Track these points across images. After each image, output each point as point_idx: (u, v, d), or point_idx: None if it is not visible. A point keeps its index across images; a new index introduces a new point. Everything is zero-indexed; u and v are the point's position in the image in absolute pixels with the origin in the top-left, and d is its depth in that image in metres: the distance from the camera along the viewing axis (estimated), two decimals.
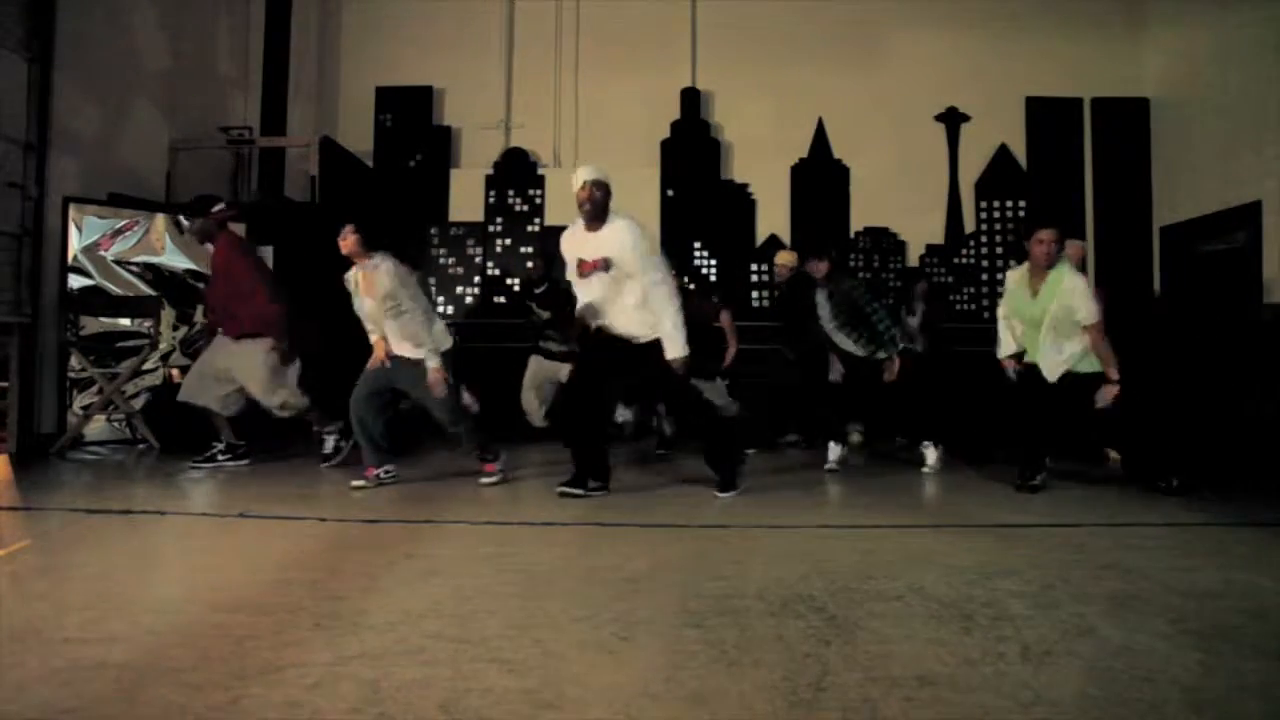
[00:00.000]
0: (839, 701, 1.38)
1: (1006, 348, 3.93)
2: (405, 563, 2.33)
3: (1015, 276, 3.85)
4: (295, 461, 4.49)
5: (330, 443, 4.33)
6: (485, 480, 3.82)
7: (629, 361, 3.49)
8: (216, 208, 4.33)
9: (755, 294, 7.00)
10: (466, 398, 5.44)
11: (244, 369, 4.18)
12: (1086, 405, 3.60)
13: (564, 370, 5.25)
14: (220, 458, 4.23)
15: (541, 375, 5.17)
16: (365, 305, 3.81)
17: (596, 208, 3.37)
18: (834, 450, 4.39)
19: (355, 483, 3.69)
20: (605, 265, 3.37)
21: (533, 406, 5.18)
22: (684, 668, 1.54)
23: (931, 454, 4.32)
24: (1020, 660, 1.58)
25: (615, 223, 3.39)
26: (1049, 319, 3.61)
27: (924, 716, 1.34)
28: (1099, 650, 1.64)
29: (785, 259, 5.40)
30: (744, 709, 1.36)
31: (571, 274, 3.55)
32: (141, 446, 5.05)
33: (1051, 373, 3.65)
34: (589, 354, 3.61)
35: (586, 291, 3.49)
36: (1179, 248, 6.50)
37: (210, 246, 4.42)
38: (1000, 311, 3.97)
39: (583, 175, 3.39)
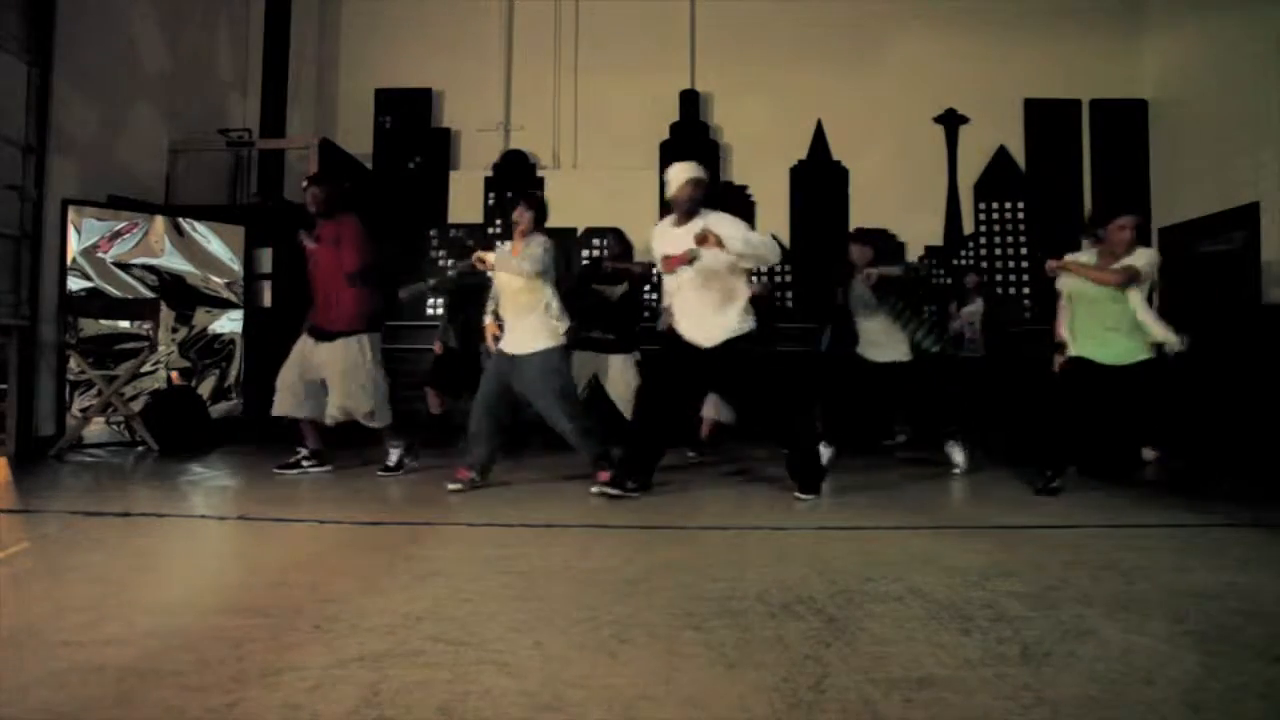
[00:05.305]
0: (838, 703, 1.38)
1: (1062, 331, 3.83)
2: (404, 565, 2.33)
3: (1083, 260, 3.74)
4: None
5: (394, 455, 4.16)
6: (596, 489, 3.55)
7: (703, 364, 3.49)
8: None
9: (775, 293, 6.99)
10: (432, 400, 5.39)
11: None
12: (1138, 396, 3.58)
13: (613, 362, 5.07)
14: (305, 464, 4.17)
15: (589, 370, 5.06)
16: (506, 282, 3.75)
17: (695, 205, 3.48)
18: (825, 452, 4.39)
19: (450, 485, 3.65)
20: (690, 259, 3.41)
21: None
22: (683, 670, 1.54)
23: (958, 454, 4.31)
24: (1020, 662, 1.58)
25: (709, 215, 3.47)
26: (1117, 304, 3.57)
27: (924, 718, 1.33)
28: (1099, 651, 1.64)
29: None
30: (743, 711, 1.36)
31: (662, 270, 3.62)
32: (140, 449, 5.05)
33: (1118, 359, 3.61)
34: (669, 353, 3.61)
35: (673, 287, 3.57)
36: (1177, 249, 6.51)
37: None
38: (1065, 290, 3.81)
39: (686, 173, 3.50)
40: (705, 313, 3.47)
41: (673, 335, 3.56)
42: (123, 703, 1.37)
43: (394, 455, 4.13)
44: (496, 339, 3.79)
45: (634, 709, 1.36)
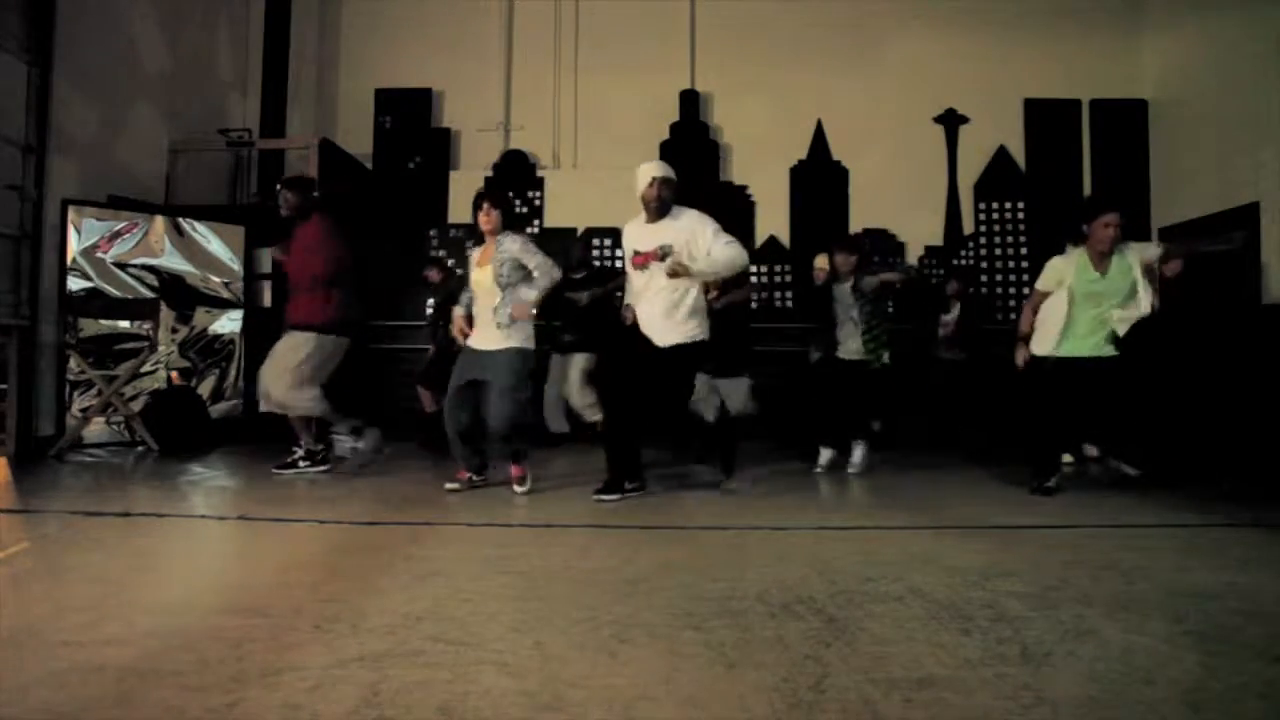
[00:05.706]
0: (838, 703, 1.38)
1: (1027, 325, 3.85)
2: (404, 565, 2.33)
3: (1072, 259, 3.72)
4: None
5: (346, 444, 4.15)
6: (519, 489, 3.64)
7: (656, 361, 3.50)
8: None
9: (753, 295, 6.99)
10: (425, 398, 5.40)
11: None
12: (1100, 389, 3.64)
13: (576, 361, 5.23)
14: (302, 464, 4.17)
15: (561, 366, 5.22)
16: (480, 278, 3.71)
17: (664, 205, 3.50)
18: (824, 454, 4.45)
19: (449, 485, 3.67)
20: (662, 255, 3.44)
21: (578, 402, 5.20)
22: (683, 670, 1.54)
23: (859, 454, 4.40)
24: (1020, 661, 1.58)
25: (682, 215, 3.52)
26: (1120, 299, 3.61)
27: (924, 718, 1.33)
28: (1099, 651, 1.64)
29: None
30: (743, 711, 1.36)
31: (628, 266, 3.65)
32: (140, 449, 5.05)
33: (1091, 351, 3.64)
34: (628, 350, 3.61)
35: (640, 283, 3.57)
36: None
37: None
38: (1047, 288, 3.79)
39: (651, 172, 3.52)
40: (656, 315, 3.49)
41: (634, 328, 3.57)
42: (123, 703, 1.37)
43: (345, 444, 4.13)
44: (465, 335, 3.72)
45: (634, 709, 1.36)
